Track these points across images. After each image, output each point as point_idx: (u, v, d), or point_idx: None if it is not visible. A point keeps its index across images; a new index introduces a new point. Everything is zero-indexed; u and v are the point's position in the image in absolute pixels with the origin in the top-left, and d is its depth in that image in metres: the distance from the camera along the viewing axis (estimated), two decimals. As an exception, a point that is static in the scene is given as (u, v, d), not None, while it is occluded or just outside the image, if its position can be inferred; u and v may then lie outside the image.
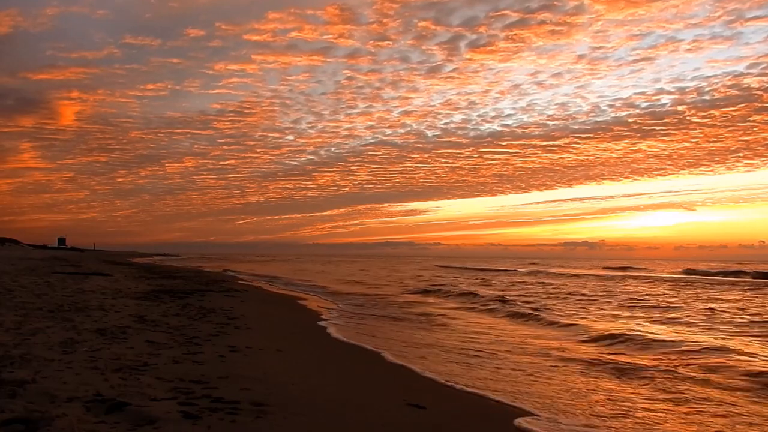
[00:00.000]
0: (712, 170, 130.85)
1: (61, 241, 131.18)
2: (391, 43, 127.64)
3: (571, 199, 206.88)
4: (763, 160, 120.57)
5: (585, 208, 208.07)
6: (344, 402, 6.45)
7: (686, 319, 16.81)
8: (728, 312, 18.70)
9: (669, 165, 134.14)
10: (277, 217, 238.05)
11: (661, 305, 21.14)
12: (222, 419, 5.11)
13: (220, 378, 6.70)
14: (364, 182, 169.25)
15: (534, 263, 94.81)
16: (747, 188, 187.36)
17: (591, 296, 25.45)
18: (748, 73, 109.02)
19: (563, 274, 52.33)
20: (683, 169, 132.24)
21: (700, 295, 26.79)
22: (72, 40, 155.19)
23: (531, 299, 23.37)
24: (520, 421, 6.30)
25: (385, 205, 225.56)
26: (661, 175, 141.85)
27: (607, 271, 63.20)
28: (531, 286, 33.19)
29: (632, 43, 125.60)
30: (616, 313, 18.54)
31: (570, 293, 27.30)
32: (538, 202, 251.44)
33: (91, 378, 6.14)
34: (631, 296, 25.58)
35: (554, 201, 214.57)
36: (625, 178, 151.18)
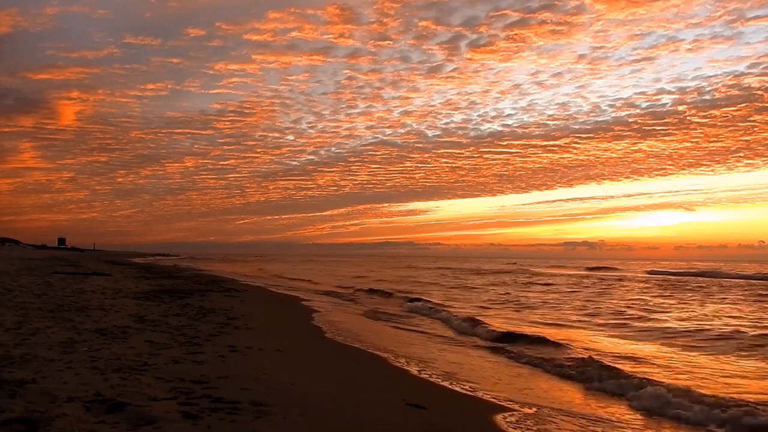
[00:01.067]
0: (712, 170, 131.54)
1: (61, 241, 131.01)
2: (391, 42, 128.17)
3: (571, 199, 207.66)
4: (763, 160, 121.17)
5: (585, 208, 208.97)
6: (344, 402, 6.46)
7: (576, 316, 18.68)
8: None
9: (669, 165, 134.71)
10: (277, 217, 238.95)
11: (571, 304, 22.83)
12: (222, 419, 5.10)
13: (220, 378, 6.69)
14: (364, 182, 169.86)
15: (513, 263, 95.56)
16: (747, 188, 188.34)
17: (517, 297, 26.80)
18: (749, 73, 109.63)
19: (535, 272, 55.10)
20: (683, 169, 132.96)
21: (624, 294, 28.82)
22: (72, 40, 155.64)
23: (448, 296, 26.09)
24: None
25: (385, 205, 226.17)
26: (661, 175, 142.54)
27: (581, 270, 67.10)
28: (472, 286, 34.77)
29: (633, 43, 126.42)
30: (524, 311, 20.39)
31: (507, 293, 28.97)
32: (538, 202, 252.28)
33: (91, 378, 6.14)
34: (556, 296, 27.22)
35: (554, 201, 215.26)
36: (626, 178, 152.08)
